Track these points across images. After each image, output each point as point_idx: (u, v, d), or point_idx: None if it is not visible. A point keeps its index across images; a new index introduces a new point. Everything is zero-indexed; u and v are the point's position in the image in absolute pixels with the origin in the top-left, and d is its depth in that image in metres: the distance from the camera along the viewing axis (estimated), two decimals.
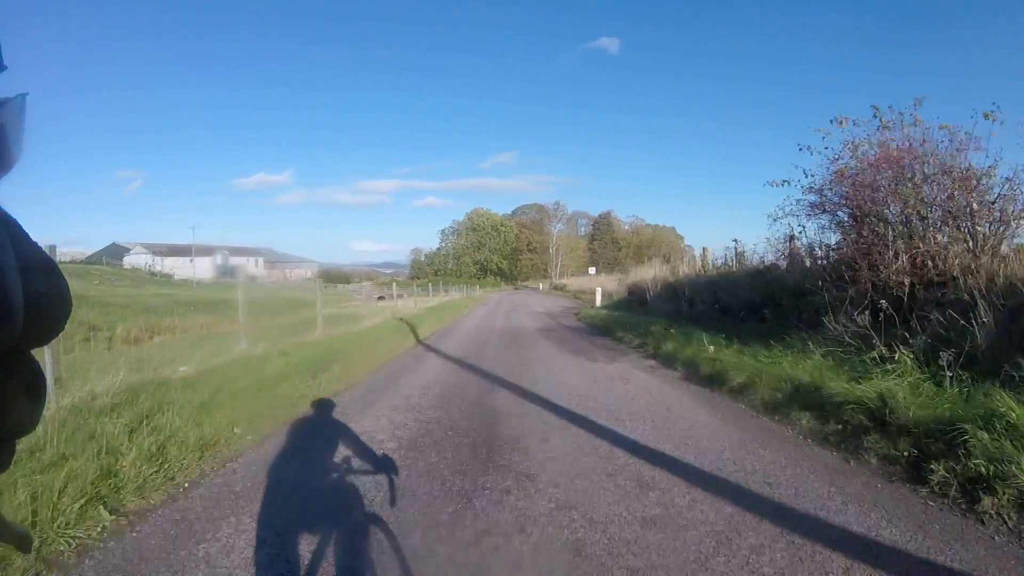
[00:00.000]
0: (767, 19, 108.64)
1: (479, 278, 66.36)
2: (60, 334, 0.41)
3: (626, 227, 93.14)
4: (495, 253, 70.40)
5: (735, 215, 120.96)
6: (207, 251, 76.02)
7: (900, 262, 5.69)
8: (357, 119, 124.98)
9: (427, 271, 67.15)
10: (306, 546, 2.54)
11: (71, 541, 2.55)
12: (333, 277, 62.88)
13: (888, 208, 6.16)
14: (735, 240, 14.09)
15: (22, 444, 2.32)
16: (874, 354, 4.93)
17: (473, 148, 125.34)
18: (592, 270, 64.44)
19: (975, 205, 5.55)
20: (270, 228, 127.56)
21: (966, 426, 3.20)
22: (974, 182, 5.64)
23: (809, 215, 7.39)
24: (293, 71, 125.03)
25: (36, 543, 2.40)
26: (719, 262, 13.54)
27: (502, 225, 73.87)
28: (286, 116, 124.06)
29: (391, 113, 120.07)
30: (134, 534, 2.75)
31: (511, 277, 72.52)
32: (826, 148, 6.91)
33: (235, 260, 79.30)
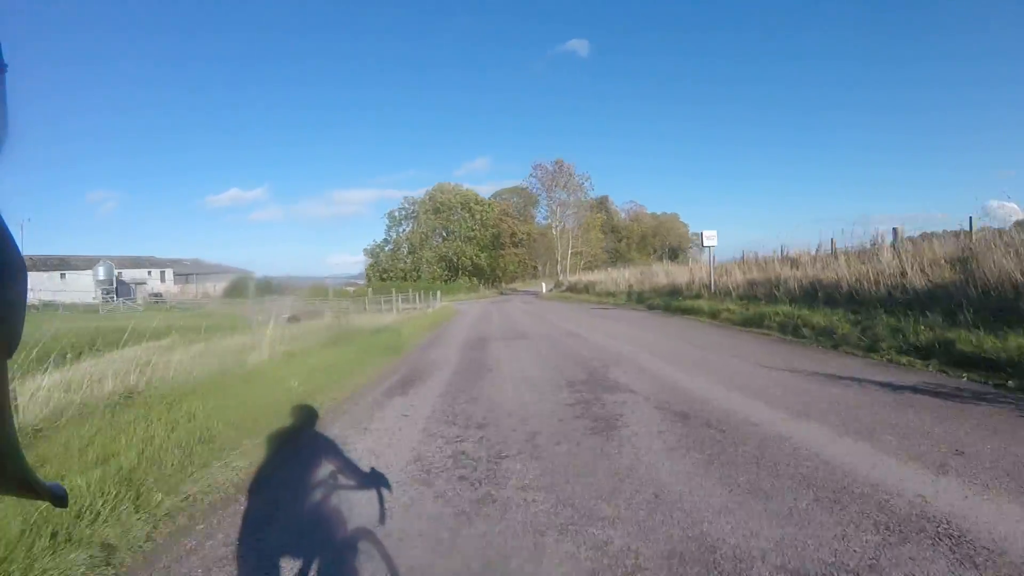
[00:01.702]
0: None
1: (447, 279, 48.15)
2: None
3: (623, 215, 78.97)
4: (469, 242, 49.94)
5: (737, 206, 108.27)
6: (89, 263, 57.38)
7: None
8: (331, 130, 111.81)
9: (374, 276, 51.05)
10: None
11: None
12: (271, 289, 49.74)
13: None
14: None
15: None
16: None
17: (447, 155, 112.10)
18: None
19: None
20: (247, 245, 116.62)
21: None
22: None
23: None
24: (267, 84, 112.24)
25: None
26: None
27: (477, 203, 52.58)
28: (260, 131, 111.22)
29: (364, 123, 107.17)
30: None
31: (492, 277, 53.19)
32: None
33: (133, 273, 61.50)
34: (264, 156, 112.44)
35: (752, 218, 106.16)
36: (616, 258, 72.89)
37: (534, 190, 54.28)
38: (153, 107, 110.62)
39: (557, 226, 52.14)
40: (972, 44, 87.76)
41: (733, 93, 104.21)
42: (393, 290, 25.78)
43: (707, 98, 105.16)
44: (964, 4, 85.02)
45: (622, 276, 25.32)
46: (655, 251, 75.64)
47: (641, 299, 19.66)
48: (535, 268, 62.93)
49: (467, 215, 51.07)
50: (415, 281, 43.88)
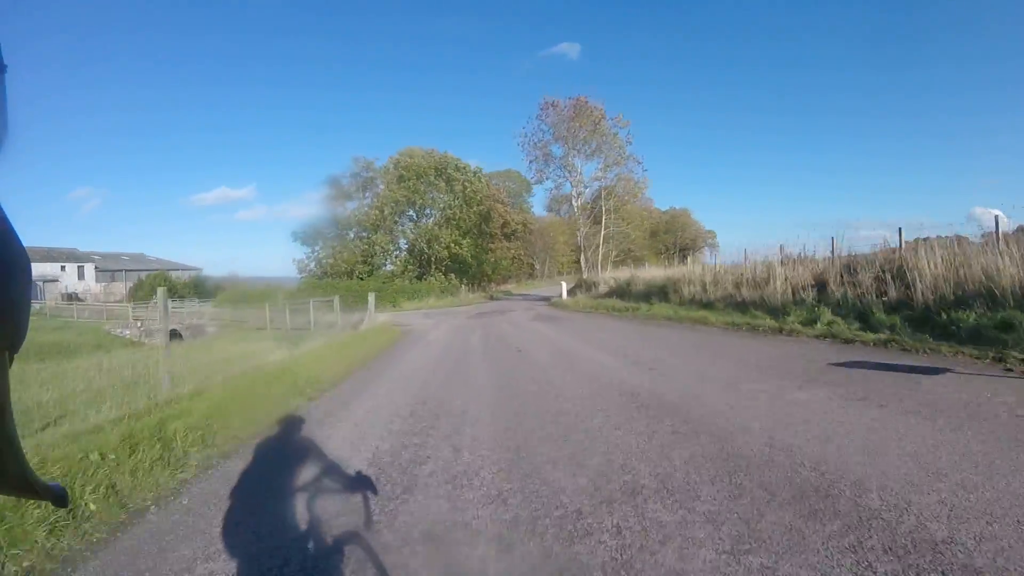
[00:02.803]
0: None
1: (418, 277, 34.43)
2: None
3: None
4: (447, 225, 35.10)
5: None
6: None
7: None
8: (320, 131, 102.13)
9: (312, 271, 37.23)
10: None
11: None
12: (203, 291, 41.66)
13: None
14: None
15: None
16: None
17: None
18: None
19: None
20: (235, 246, 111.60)
21: None
22: None
23: None
24: (257, 84, 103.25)
25: None
26: None
27: (458, 169, 36.90)
28: (249, 130, 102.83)
29: (353, 125, 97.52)
30: None
31: (478, 275, 38.46)
32: None
33: (42, 268, 50.51)
34: (252, 156, 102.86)
35: (738, 222, 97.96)
36: (624, 256, 64.14)
37: (538, 143, 32.30)
38: (140, 105, 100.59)
39: (578, 196, 32.61)
40: (960, 49, 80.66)
41: (731, 95, 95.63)
42: (336, 297, 15.75)
43: (703, 102, 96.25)
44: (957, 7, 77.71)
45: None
46: (667, 249, 66.53)
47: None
48: (532, 267, 53.10)
49: (443, 185, 35.21)
50: (365, 280, 31.23)
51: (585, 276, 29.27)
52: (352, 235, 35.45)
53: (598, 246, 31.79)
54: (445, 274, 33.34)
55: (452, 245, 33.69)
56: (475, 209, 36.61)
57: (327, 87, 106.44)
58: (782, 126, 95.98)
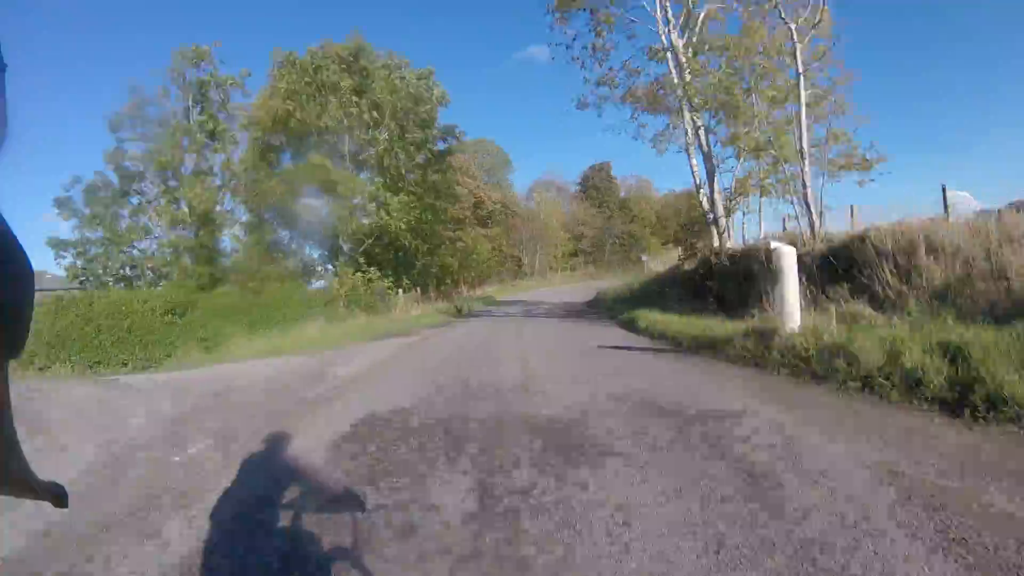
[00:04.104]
0: None
1: (313, 271, 19.36)
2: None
3: (622, 193, 57.70)
4: (368, 169, 19.01)
5: None
6: None
7: None
8: None
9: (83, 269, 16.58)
10: None
11: None
12: None
13: None
14: None
15: None
16: None
17: None
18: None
19: None
20: None
21: None
22: None
23: None
24: None
25: None
26: None
27: (384, 67, 18.49)
28: None
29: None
30: None
31: (428, 274, 21.10)
32: None
33: None
34: None
35: None
36: (629, 247, 52.27)
37: None
38: None
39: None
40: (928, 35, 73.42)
41: None
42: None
43: None
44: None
45: None
46: (675, 238, 55.03)
47: None
48: (519, 261, 40.45)
49: (358, 100, 17.61)
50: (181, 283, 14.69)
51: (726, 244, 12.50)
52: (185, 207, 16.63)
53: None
54: (363, 272, 16.33)
55: (382, 215, 16.93)
56: (427, 146, 19.47)
57: None
58: None
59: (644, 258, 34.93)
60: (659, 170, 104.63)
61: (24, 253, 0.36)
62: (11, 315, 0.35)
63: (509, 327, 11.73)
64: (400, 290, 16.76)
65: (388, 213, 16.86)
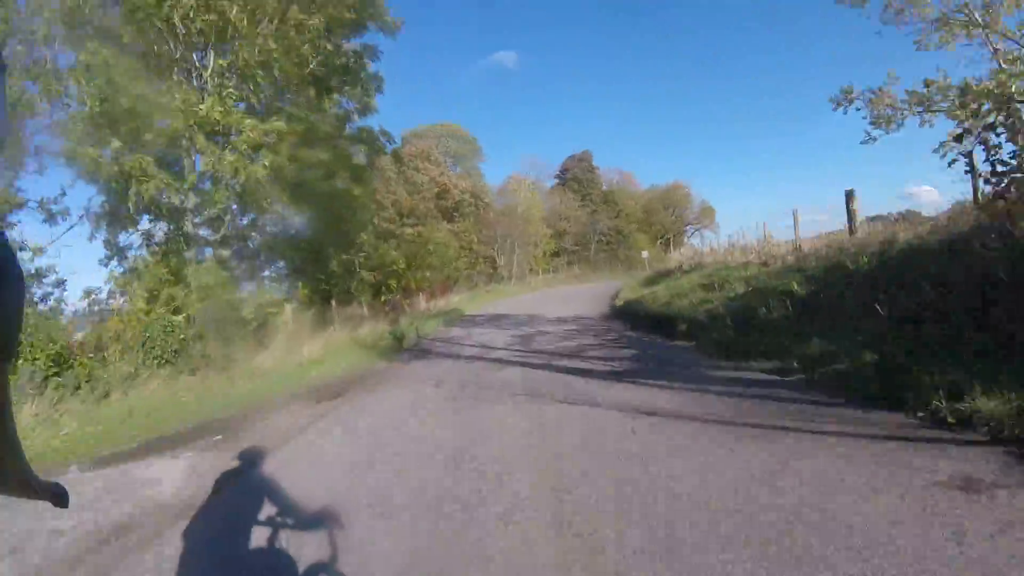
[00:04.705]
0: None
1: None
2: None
3: (604, 186, 51.38)
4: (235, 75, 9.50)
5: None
6: None
7: None
8: None
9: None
10: None
11: None
12: None
13: None
14: None
15: None
16: None
17: None
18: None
19: None
20: None
21: None
22: None
23: None
24: None
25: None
26: None
27: None
28: None
29: None
30: None
31: (347, 279, 12.72)
32: None
33: None
34: None
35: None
36: (616, 244, 45.71)
37: None
38: None
39: None
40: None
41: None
42: None
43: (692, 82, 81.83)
44: None
45: None
46: (663, 231, 48.97)
47: None
48: (493, 262, 33.09)
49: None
50: None
51: None
52: None
53: None
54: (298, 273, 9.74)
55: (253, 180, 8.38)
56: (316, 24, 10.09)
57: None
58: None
59: (645, 255, 29.24)
60: (638, 164, 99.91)
61: (14, 256, 0.36)
62: (5, 319, 0.35)
63: (495, 439, 4.45)
64: (287, 305, 9.01)
65: (236, 149, 8.30)
